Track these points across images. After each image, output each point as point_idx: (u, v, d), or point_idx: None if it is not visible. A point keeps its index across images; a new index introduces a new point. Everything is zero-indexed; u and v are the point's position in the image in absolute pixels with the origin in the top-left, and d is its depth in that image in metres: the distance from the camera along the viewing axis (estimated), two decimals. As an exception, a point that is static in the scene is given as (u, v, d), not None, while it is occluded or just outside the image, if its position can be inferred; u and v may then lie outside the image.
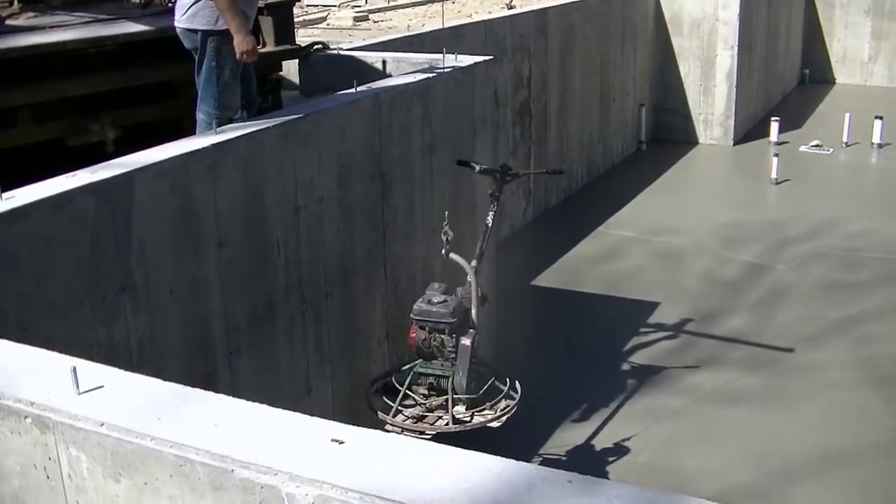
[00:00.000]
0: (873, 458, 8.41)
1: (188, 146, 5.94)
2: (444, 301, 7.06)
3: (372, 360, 7.86)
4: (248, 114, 7.07)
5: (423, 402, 7.07)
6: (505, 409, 7.08)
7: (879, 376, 9.74)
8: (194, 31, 6.75)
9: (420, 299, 7.18)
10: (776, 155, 16.48)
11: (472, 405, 6.99)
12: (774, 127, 18.64)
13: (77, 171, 5.37)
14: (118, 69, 7.26)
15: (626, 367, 10.09)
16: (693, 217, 14.75)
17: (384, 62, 9.15)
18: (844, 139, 18.41)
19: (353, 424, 7.01)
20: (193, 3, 6.72)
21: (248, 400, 6.24)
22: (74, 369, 3.09)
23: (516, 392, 7.24)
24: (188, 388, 3.12)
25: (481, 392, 7.07)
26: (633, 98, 18.08)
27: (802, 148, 18.30)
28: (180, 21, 6.82)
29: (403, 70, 8.82)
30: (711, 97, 18.68)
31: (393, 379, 7.31)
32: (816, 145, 18.30)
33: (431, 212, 8.36)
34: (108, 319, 5.36)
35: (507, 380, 7.30)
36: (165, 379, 5.67)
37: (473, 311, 7.14)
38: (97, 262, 5.26)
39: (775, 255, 13.00)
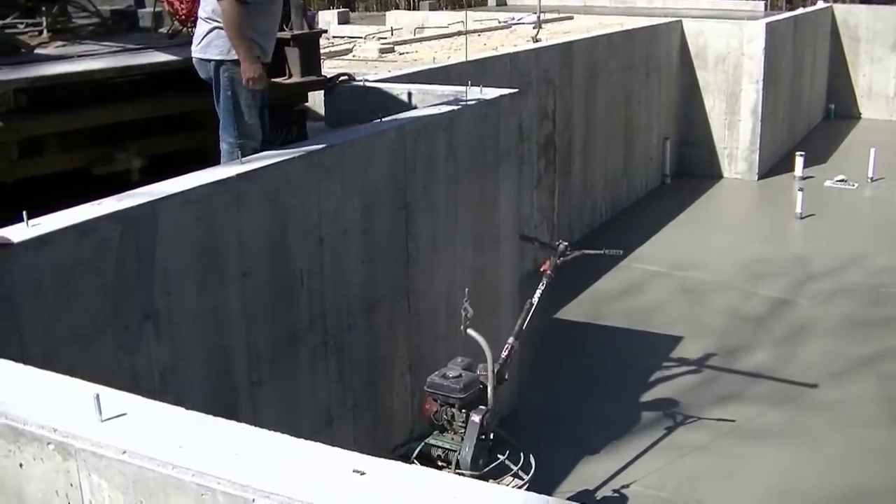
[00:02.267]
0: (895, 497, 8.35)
1: (213, 176, 5.96)
2: (459, 376, 7.06)
3: (394, 392, 7.85)
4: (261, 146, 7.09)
5: None
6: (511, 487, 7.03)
7: (903, 413, 9.69)
8: (208, 61, 6.80)
9: (437, 371, 7.19)
10: (801, 189, 16.46)
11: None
12: (799, 161, 18.63)
13: (103, 200, 5.39)
14: (144, 98, 7.29)
15: (648, 401, 10.05)
16: (717, 252, 14.73)
17: (409, 94, 9.17)
18: (870, 174, 18.38)
19: (375, 456, 7.01)
20: (207, 33, 6.78)
21: (269, 429, 6.26)
22: (98, 396, 3.09)
23: (530, 467, 7.20)
24: (210, 417, 3.12)
25: (490, 468, 7.03)
26: (658, 132, 18.09)
27: (827, 183, 18.27)
28: (196, 51, 6.88)
29: (428, 102, 8.84)
30: (736, 131, 18.68)
31: (409, 447, 7.31)
32: (841, 180, 18.27)
33: (455, 244, 8.36)
34: (131, 348, 5.37)
35: (522, 455, 7.26)
36: (187, 408, 5.70)
37: (489, 388, 7.10)
38: (121, 291, 5.27)
39: (799, 290, 12.96)
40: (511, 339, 7.63)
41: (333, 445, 6.42)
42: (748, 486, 8.54)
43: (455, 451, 6.96)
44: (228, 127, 6.85)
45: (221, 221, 5.91)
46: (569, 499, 8.18)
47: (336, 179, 6.86)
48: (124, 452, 2.90)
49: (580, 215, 15.27)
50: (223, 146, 6.89)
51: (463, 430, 6.97)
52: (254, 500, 2.71)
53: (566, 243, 8.22)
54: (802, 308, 12.42)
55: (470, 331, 7.01)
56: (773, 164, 19.43)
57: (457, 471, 6.84)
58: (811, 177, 18.51)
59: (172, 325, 5.62)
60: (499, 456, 7.14)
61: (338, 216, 6.89)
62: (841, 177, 18.38)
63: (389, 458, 6.91)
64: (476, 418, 6.90)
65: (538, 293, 7.85)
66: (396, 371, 7.86)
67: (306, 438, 6.35)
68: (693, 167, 18.95)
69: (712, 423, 9.50)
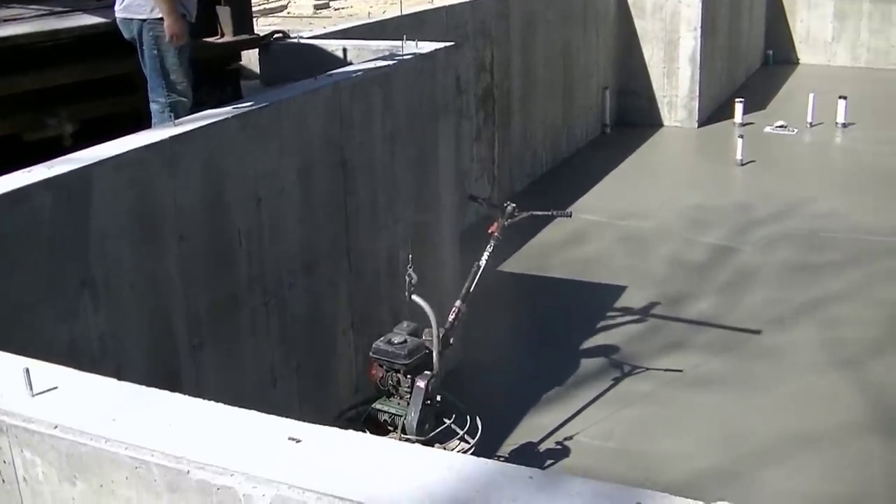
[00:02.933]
0: (843, 440, 8.43)
1: (146, 139, 5.88)
2: (404, 342, 7.03)
3: (337, 350, 7.82)
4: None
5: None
6: (457, 452, 7.01)
7: (846, 358, 9.75)
8: (131, 20, 6.72)
9: (382, 337, 7.15)
10: (741, 136, 16.54)
11: (424, 446, 6.92)
12: (739, 108, 18.69)
13: (33, 167, 5.30)
14: (75, 62, 7.18)
15: (593, 351, 10.07)
16: (658, 200, 14.75)
17: (345, 50, 9.09)
18: (809, 119, 18.47)
19: (320, 414, 6.99)
20: None
21: (213, 392, 6.23)
22: (27, 370, 3.04)
23: (476, 430, 7.21)
24: (143, 388, 3.08)
25: (436, 432, 7.02)
26: (597, 81, 18.06)
27: (767, 129, 18.35)
28: (119, 11, 6.80)
29: (364, 58, 8.76)
30: (675, 79, 18.69)
31: (357, 411, 7.30)
32: (781, 126, 18.35)
33: (395, 201, 8.32)
34: (68, 316, 5.30)
35: (469, 418, 7.26)
36: (128, 375, 5.65)
37: (435, 354, 7.07)
38: (56, 259, 5.20)
39: (741, 237, 13.02)
40: (458, 303, 7.60)
41: (278, 406, 6.42)
42: (694, 434, 8.59)
43: (401, 416, 6.95)
44: (157, 87, 6.76)
45: (156, 185, 5.84)
46: (511, 452, 8.21)
47: (272, 139, 6.79)
48: (56, 427, 2.86)
49: (521, 167, 15.23)
50: (153, 107, 6.81)
51: (409, 396, 6.95)
52: (188, 471, 2.68)
53: (514, 205, 8.15)
54: (744, 255, 12.48)
55: (415, 297, 6.96)
56: (713, 112, 19.47)
57: (403, 436, 6.85)
58: (751, 123, 18.58)
59: (110, 291, 5.55)
60: (445, 420, 7.13)
61: (274, 176, 6.83)
62: (780, 122, 18.46)
63: (336, 422, 6.95)
64: (421, 384, 6.88)
65: (486, 255, 7.82)
66: (339, 329, 7.82)
67: (250, 399, 6.31)
68: (633, 116, 18.94)
69: (657, 372, 9.53)
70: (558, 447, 8.36)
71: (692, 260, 12.44)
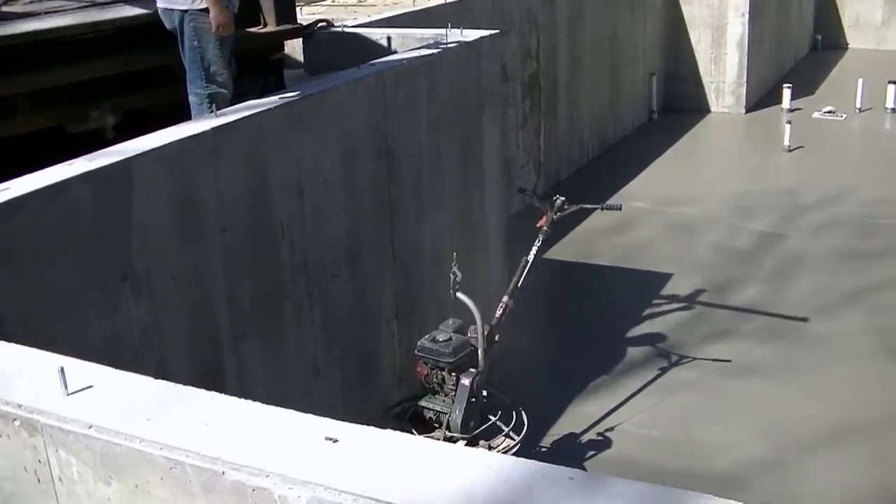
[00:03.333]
0: (890, 429, 8.31)
1: (188, 130, 5.86)
2: (448, 339, 7.02)
3: (381, 340, 7.78)
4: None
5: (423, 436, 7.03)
6: (503, 450, 7.00)
7: (895, 346, 9.62)
8: (172, 11, 6.69)
9: (427, 335, 7.15)
10: (789, 122, 16.35)
11: (469, 443, 6.92)
12: (787, 94, 18.50)
13: (74, 160, 5.29)
14: (116, 54, 7.17)
15: (639, 340, 10.00)
16: (705, 186, 14.65)
17: (389, 39, 9.05)
18: (858, 105, 18.26)
19: (364, 405, 6.97)
20: None
21: (256, 384, 6.22)
22: (62, 370, 3.01)
23: (522, 426, 7.19)
24: (179, 387, 3.05)
25: (481, 429, 7.01)
26: (644, 67, 17.94)
27: (815, 114, 18.16)
28: (161, 1, 6.76)
29: (409, 46, 8.72)
30: (723, 65, 18.54)
31: (404, 408, 7.32)
32: (829, 111, 18.15)
33: (439, 189, 8.28)
34: (110, 310, 5.29)
35: (514, 414, 7.24)
36: (171, 367, 5.66)
37: (480, 351, 7.04)
38: (96, 252, 5.19)
39: (789, 223, 12.89)
40: (505, 298, 7.54)
41: (322, 397, 6.41)
42: (740, 423, 8.50)
43: (446, 413, 6.94)
44: (196, 79, 6.74)
45: (198, 176, 5.82)
46: (555, 442, 8.16)
47: (315, 129, 6.76)
48: (90, 427, 2.83)
49: (567, 154, 15.15)
50: (192, 98, 6.79)
51: (454, 393, 6.94)
52: (223, 472, 2.65)
53: (563, 198, 8.08)
54: (792, 241, 12.35)
55: (459, 294, 6.94)
56: (761, 97, 19.30)
57: (448, 433, 6.85)
58: (799, 109, 18.40)
59: (152, 283, 5.53)
60: (490, 417, 7.11)
61: (318, 166, 6.80)
62: (829, 108, 18.26)
63: (383, 419, 6.93)
64: (466, 381, 6.87)
65: (534, 249, 7.76)
66: (383, 319, 7.78)
67: (293, 391, 6.32)
68: (680, 102, 18.81)
69: (703, 360, 9.44)
70: (603, 437, 8.30)
71: (739, 247, 12.32)
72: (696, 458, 8.03)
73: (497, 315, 7.46)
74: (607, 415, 8.61)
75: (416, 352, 7.11)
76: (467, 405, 6.84)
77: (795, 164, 15.72)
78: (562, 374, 9.30)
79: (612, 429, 8.41)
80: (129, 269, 5.39)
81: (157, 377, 5.56)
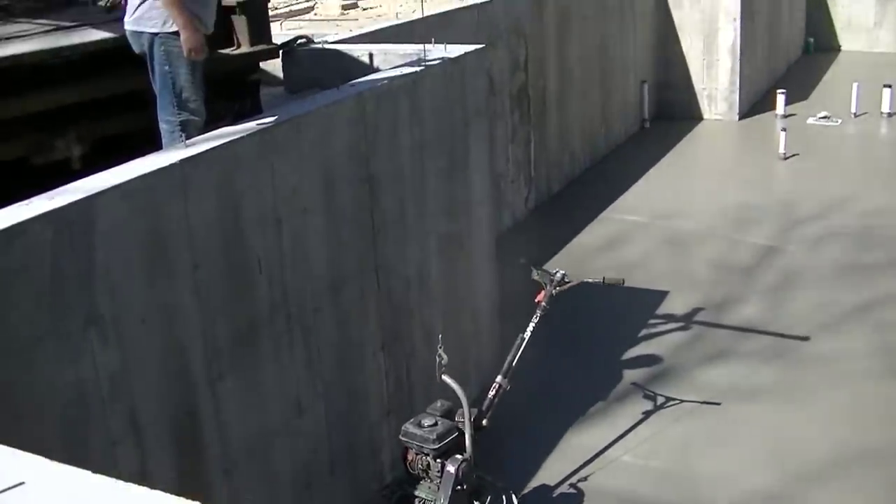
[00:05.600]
0: (898, 457, 8.03)
1: (155, 163, 5.51)
2: (434, 425, 6.73)
3: (367, 373, 7.46)
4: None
5: None
6: None
7: (900, 367, 9.34)
8: (141, 34, 6.34)
9: (412, 419, 6.86)
10: (783, 129, 16.07)
11: None
12: (780, 99, 18.25)
13: (33, 199, 4.96)
14: (83, 80, 6.81)
15: (635, 362, 9.70)
16: (700, 198, 14.35)
17: (371, 55, 8.74)
18: (853, 109, 18.00)
19: (351, 441, 6.67)
20: (141, 4, 6.29)
21: (235, 426, 5.89)
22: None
23: None
24: (121, 484, 2.67)
25: None
26: (635, 76, 17.66)
27: (810, 120, 17.89)
28: (129, 23, 6.40)
29: (391, 63, 8.40)
30: (715, 71, 18.29)
31: (391, 490, 7.04)
32: (824, 117, 17.88)
33: (425, 213, 7.97)
34: (74, 357, 4.96)
35: (504, 498, 6.95)
36: (142, 415, 5.32)
37: (467, 437, 6.74)
38: (58, 297, 4.86)
39: (787, 236, 12.59)
40: (499, 378, 7.20)
41: (306, 436, 6.09)
42: (743, 451, 8.20)
43: (431, 500, 6.67)
44: (167, 105, 6.38)
45: (167, 212, 5.48)
46: (552, 479, 7.85)
47: (291, 156, 6.43)
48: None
49: (558, 167, 14.84)
50: (163, 127, 6.43)
51: (439, 480, 6.65)
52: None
53: (563, 272, 7.74)
54: (791, 255, 12.05)
55: (445, 378, 6.63)
56: (754, 103, 19.03)
57: None
58: (793, 114, 18.14)
59: (119, 327, 5.20)
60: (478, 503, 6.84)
61: (295, 195, 6.47)
62: (824, 113, 17.97)
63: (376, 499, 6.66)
64: (451, 469, 6.57)
65: (531, 327, 7.42)
66: (368, 351, 7.46)
67: (275, 431, 6.01)
68: (672, 110, 18.54)
69: (702, 383, 9.15)
70: (600, 469, 7.98)
71: (736, 261, 12.01)
72: (697, 491, 7.76)
73: (489, 397, 7.14)
74: (605, 446, 8.30)
75: (400, 437, 6.82)
76: (453, 493, 6.56)
77: (791, 173, 15.43)
78: (555, 400, 8.99)
79: (611, 461, 8.11)
80: (95, 313, 5.06)
81: (126, 428, 5.29)
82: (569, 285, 7.74)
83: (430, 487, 6.75)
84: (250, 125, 6.32)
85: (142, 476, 5.36)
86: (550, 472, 7.96)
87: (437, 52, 8.33)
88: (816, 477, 7.79)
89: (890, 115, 17.75)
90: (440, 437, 6.65)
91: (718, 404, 8.84)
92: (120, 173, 5.34)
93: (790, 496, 7.61)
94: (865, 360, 9.46)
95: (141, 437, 5.37)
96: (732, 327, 10.24)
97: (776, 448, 8.21)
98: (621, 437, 8.41)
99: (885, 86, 17.81)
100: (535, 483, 7.85)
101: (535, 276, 7.73)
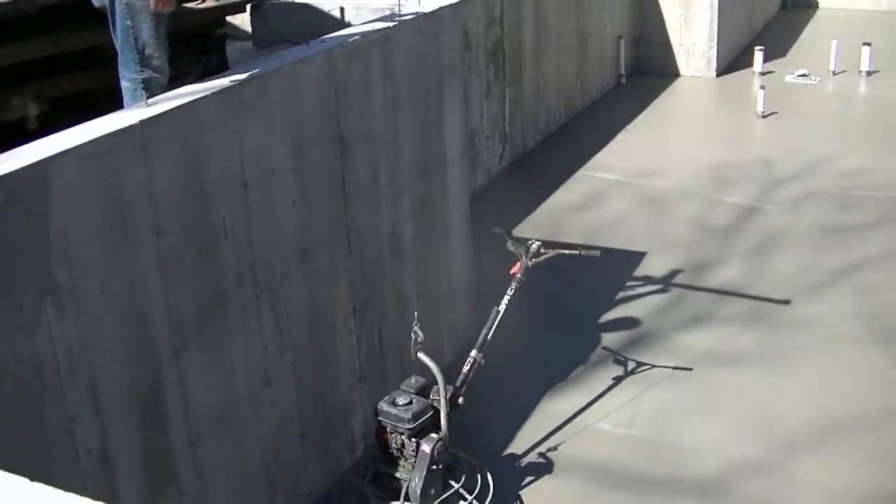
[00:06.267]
0: (884, 424, 7.85)
1: (113, 124, 5.22)
2: (409, 403, 6.60)
3: (338, 339, 7.21)
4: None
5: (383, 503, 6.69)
6: None
7: (884, 330, 9.14)
8: None
9: (387, 397, 6.73)
10: (762, 87, 15.81)
11: None
12: (759, 56, 17.95)
13: (-20, 164, 4.68)
14: (41, 35, 6.51)
15: (612, 326, 9.47)
16: (678, 156, 14.09)
17: (342, 10, 8.49)
18: (832, 67, 17.71)
19: (319, 413, 6.46)
20: None
21: (201, 397, 5.67)
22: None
23: (487, 491, 6.78)
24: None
25: (443, 497, 6.60)
26: (612, 31, 17.36)
27: (788, 78, 17.61)
28: None
29: (363, 18, 8.14)
30: (693, 27, 17.98)
31: (366, 468, 6.92)
32: (803, 74, 17.61)
33: (398, 173, 7.71)
34: (29, 331, 4.70)
35: (479, 477, 6.84)
36: (102, 388, 5.07)
37: (443, 415, 6.59)
38: (10, 267, 4.59)
39: (767, 196, 12.38)
40: (473, 352, 7.04)
41: (275, 407, 5.87)
42: (724, 419, 8.01)
43: (406, 480, 6.52)
44: (129, 62, 6.09)
45: (127, 176, 5.20)
46: (528, 449, 7.66)
47: (259, 116, 6.15)
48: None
49: (534, 123, 14.56)
50: (125, 84, 6.14)
51: (414, 459, 6.51)
52: None
53: (539, 242, 7.57)
54: (771, 215, 11.84)
55: (420, 355, 6.50)
56: (732, 60, 18.73)
57: (406, 503, 6.43)
58: (771, 72, 17.87)
59: (77, 298, 4.94)
60: (453, 484, 6.69)
61: (263, 156, 6.20)
62: (802, 71, 17.70)
63: (346, 480, 6.49)
64: (426, 448, 6.42)
65: (506, 299, 7.25)
66: (339, 317, 7.21)
67: (242, 402, 5.78)
68: (649, 66, 18.24)
69: (682, 348, 8.95)
70: (576, 437, 7.78)
71: (716, 222, 11.79)
72: (677, 459, 7.55)
73: (464, 372, 6.98)
74: (580, 412, 8.11)
75: (375, 415, 6.69)
76: (427, 473, 6.41)
77: (770, 131, 15.19)
78: (529, 366, 8.76)
79: (586, 428, 7.90)
80: (51, 283, 4.79)
81: (85, 403, 5.04)
82: (544, 256, 7.56)
83: (404, 466, 6.62)
84: (216, 83, 6.03)
85: (102, 453, 5.14)
86: (525, 441, 7.74)
87: (412, 6, 8.07)
88: (800, 446, 7.61)
89: (869, 73, 17.50)
90: (415, 417, 6.52)
91: (690, 370, 8.66)
92: (77, 135, 5.06)
93: (774, 465, 7.42)
94: (847, 325, 9.28)
95: (101, 412, 5.12)
96: (712, 290, 10.03)
97: (758, 415, 8.02)
98: (598, 403, 8.20)
99: (864, 44, 17.54)
100: (509, 451, 7.64)
101: (511, 246, 7.54)
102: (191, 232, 5.67)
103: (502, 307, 7.22)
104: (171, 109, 5.50)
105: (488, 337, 7.12)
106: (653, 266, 10.59)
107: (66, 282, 4.86)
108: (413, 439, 6.52)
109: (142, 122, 5.27)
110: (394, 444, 6.63)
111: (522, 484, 7.29)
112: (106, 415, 5.16)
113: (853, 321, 9.34)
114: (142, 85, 6.01)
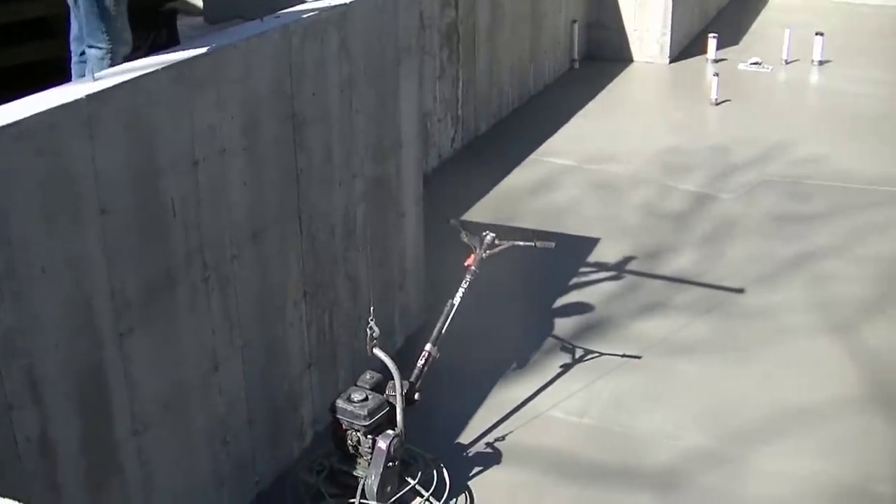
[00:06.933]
0: (839, 413, 7.81)
1: (57, 99, 5.00)
2: (365, 399, 6.51)
3: (287, 322, 7.03)
4: None
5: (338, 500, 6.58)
6: None
7: (837, 320, 9.11)
8: None
9: (343, 393, 6.64)
10: (716, 74, 15.76)
11: None
12: (712, 44, 17.91)
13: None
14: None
15: (565, 311, 9.36)
16: (631, 142, 13.99)
17: (297, -15, 8.24)
18: (784, 56, 17.71)
19: (267, 398, 6.29)
20: None
21: (146, 382, 5.47)
22: None
23: (444, 487, 6.74)
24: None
25: (399, 494, 6.52)
26: (565, 14, 17.22)
27: (741, 65, 17.59)
28: None
29: (320, -6, 7.92)
30: (647, 12, 17.89)
31: (320, 464, 6.79)
32: (756, 63, 17.59)
33: (352, 154, 7.53)
34: (-37, 312, 4.50)
35: (435, 474, 6.78)
36: (42, 374, 4.88)
37: (399, 411, 6.50)
38: (-54, 246, 4.39)
39: (720, 183, 12.31)
40: (428, 346, 6.95)
41: (223, 391, 5.69)
42: (678, 408, 7.92)
43: (362, 477, 6.44)
44: (96, 31, 5.86)
45: (71, 152, 4.98)
46: (478, 436, 7.53)
47: (210, 92, 5.95)
48: None
49: (486, 106, 14.41)
50: (92, 53, 5.90)
51: (370, 456, 6.43)
52: None
53: (493, 234, 7.48)
54: (724, 203, 11.76)
55: (376, 350, 6.51)
56: (685, 47, 18.70)
57: (362, 500, 6.33)
58: (724, 59, 17.84)
59: (15, 279, 4.72)
60: (409, 480, 6.60)
61: (214, 134, 6.00)
62: (755, 59, 17.67)
63: (296, 475, 6.34)
64: (383, 445, 6.34)
65: (460, 292, 7.16)
66: (290, 300, 7.04)
67: (189, 387, 5.60)
68: (603, 50, 18.14)
69: (635, 336, 8.85)
70: (527, 426, 7.65)
71: (669, 209, 11.70)
72: (632, 449, 7.46)
73: (419, 367, 6.88)
74: (531, 398, 7.99)
75: (330, 412, 6.58)
76: (384, 470, 6.33)
77: (724, 119, 15.13)
78: (482, 353, 8.60)
79: (538, 416, 7.78)
80: (-13, 263, 4.59)
81: (24, 390, 4.83)
82: (499, 248, 7.47)
83: (360, 464, 6.53)
84: (166, 58, 5.81)
85: (42, 441, 4.94)
86: (477, 430, 7.60)
87: (368, -18, 7.87)
88: (754, 435, 7.55)
89: (821, 63, 17.51)
90: (371, 413, 6.45)
91: (640, 358, 8.56)
92: (18, 109, 4.84)
93: (728, 454, 7.36)
94: (802, 315, 9.22)
95: (41, 399, 4.92)
96: (666, 277, 9.94)
97: (713, 405, 7.95)
98: (551, 391, 8.08)
99: (817, 33, 17.57)
100: (460, 440, 7.50)
101: (465, 238, 7.43)
102: (137, 212, 5.47)
103: (457, 300, 7.13)
104: (119, 84, 5.28)
105: (443, 331, 7.01)
106: (606, 253, 10.48)
107: (3, 263, 4.65)
108: (369, 436, 6.43)
109: (88, 96, 5.06)
110: (350, 441, 6.52)
111: (471, 474, 7.15)
112: (46, 402, 4.95)
113: (806, 310, 9.29)
114: (109, 55, 5.80)
